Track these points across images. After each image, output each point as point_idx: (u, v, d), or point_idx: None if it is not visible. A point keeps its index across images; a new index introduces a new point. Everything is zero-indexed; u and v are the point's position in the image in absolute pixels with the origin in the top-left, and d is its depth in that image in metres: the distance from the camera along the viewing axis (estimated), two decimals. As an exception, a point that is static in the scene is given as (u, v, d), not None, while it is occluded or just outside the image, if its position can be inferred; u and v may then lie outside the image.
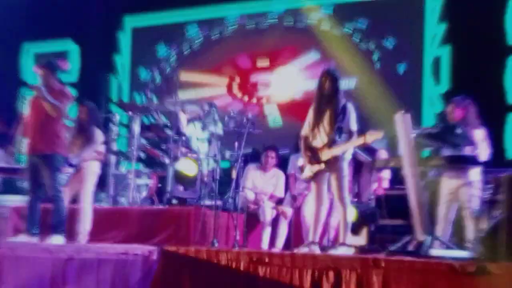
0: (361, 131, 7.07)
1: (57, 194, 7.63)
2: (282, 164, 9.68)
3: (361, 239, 8.03)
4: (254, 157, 9.85)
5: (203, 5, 12.50)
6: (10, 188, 9.98)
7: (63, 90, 7.83)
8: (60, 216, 7.65)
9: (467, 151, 7.44)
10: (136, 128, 9.41)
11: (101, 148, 8.68)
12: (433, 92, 10.57)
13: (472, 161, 7.42)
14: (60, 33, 12.86)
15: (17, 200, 9.36)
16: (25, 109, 7.93)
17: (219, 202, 8.41)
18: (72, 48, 13.25)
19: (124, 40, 13.18)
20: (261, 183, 9.42)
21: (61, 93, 7.75)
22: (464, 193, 7.43)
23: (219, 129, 9.39)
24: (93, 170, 8.47)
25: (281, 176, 9.51)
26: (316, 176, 7.16)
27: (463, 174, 7.46)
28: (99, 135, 8.61)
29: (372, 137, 6.87)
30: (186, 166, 9.08)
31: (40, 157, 7.63)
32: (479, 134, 7.55)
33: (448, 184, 7.57)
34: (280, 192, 9.43)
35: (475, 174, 7.47)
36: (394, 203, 8.05)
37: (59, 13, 12.56)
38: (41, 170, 7.62)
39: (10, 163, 9.98)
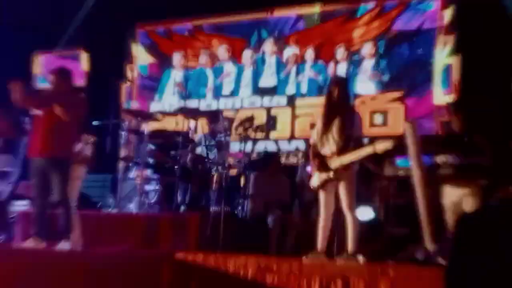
0: (371, 140, 7.09)
1: (66, 199, 7.64)
2: (291, 172, 9.71)
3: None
4: (259, 164, 9.88)
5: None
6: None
7: (76, 95, 7.84)
8: (69, 222, 7.66)
9: (475, 159, 7.44)
10: (145, 134, 9.45)
11: (87, 152, 8.61)
12: (443, 100, 10.58)
13: (479, 169, 7.42)
14: (72, 42, 12.93)
15: (25, 205, 9.40)
16: (36, 112, 7.93)
17: (227, 209, 8.43)
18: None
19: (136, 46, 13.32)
20: (267, 190, 9.44)
21: (74, 98, 7.76)
22: (468, 202, 7.43)
23: (227, 136, 9.42)
24: (77, 174, 8.37)
25: (286, 182, 9.54)
26: (324, 184, 7.17)
27: (468, 183, 7.45)
28: (84, 139, 8.58)
29: (382, 146, 6.88)
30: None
31: (50, 161, 7.63)
32: (485, 142, 7.55)
33: (452, 192, 7.56)
34: (286, 198, 9.45)
35: (478, 182, 7.46)
36: (402, 212, 8.04)
37: (71, 22, 12.61)
38: (49, 174, 7.62)
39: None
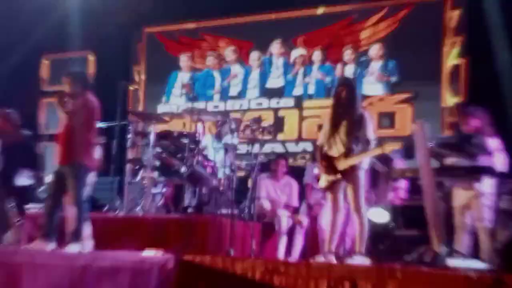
0: (379, 141, 7.08)
1: (79, 203, 7.65)
2: (298, 173, 9.69)
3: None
4: (267, 166, 9.87)
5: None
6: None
7: (86, 98, 7.80)
8: (79, 225, 7.67)
9: (482, 161, 7.42)
10: (152, 136, 9.43)
11: (96, 155, 8.60)
12: (451, 102, 10.54)
13: (488, 171, 7.39)
14: (79, 44, 12.95)
15: (32, 208, 9.41)
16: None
17: (235, 211, 8.41)
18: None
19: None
20: (274, 192, 9.43)
21: (83, 101, 7.74)
22: (477, 204, 7.40)
23: (234, 138, 9.40)
24: None
25: (293, 184, 9.52)
26: (332, 186, 7.16)
27: (477, 185, 7.43)
28: None
29: (390, 147, 6.86)
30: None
31: (65, 167, 7.71)
32: (494, 143, 7.53)
33: (461, 194, 7.54)
34: (294, 201, 9.44)
35: (488, 184, 7.44)
36: (411, 213, 8.02)
37: (78, 24, 12.61)
38: (66, 179, 7.67)
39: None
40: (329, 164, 7.15)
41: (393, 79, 11.18)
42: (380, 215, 8.37)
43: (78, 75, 8.10)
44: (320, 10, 11.98)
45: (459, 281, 5.53)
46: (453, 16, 10.76)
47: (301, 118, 11.83)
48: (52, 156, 10.83)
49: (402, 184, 8.74)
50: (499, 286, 5.34)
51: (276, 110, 12.01)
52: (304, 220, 9.17)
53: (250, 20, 12.49)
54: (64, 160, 7.74)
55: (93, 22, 12.44)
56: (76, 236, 7.63)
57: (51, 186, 7.82)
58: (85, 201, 7.78)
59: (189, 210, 8.98)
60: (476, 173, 7.34)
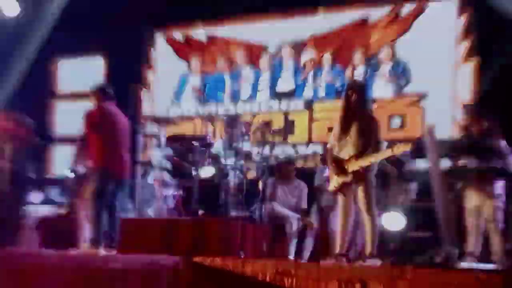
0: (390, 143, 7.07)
1: (93, 207, 7.77)
2: (309, 176, 9.68)
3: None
4: (277, 169, 9.86)
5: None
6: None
7: (100, 108, 8.13)
8: (96, 229, 7.77)
9: (495, 163, 7.41)
10: (163, 139, 9.46)
11: None
12: (462, 104, 10.51)
13: (501, 173, 7.38)
14: (90, 47, 13.00)
15: (45, 211, 9.46)
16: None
17: (245, 214, 8.41)
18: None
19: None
20: (284, 195, 9.42)
21: (101, 114, 7.96)
22: (489, 206, 7.39)
23: (245, 141, 9.40)
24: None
25: (303, 187, 9.51)
26: (342, 188, 7.15)
27: (489, 187, 7.41)
28: None
29: (400, 149, 6.85)
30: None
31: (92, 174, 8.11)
32: (504, 145, 7.53)
33: (473, 196, 7.52)
34: (303, 204, 9.42)
35: (499, 186, 7.43)
36: (422, 215, 8.01)
37: (89, 26, 12.63)
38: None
39: None
40: (340, 166, 7.15)
41: (404, 81, 11.15)
42: (396, 220, 8.33)
43: (97, 89, 8.34)
44: (321, 13, 11.96)
45: (470, 283, 5.52)
46: (464, 16, 10.73)
47: (311, 121, 11.81)
48: (63, 158, 10.96)
49: (413, 185, 8.74)
50: (509, 287, 5.33)
51: (286, 113, 12.00)
52: (315, 222, 9.16)
53: (260, 23, 12.49)
54: (90, 167, 8.15)
55: (105, 25, 12.47)
56: (94, 239, 7.73)
57: (93, 192, 8.00)
58: (103, 207, 7.90)
59: (200, 212, 9.00)
60: (488, 174, 7.34)
